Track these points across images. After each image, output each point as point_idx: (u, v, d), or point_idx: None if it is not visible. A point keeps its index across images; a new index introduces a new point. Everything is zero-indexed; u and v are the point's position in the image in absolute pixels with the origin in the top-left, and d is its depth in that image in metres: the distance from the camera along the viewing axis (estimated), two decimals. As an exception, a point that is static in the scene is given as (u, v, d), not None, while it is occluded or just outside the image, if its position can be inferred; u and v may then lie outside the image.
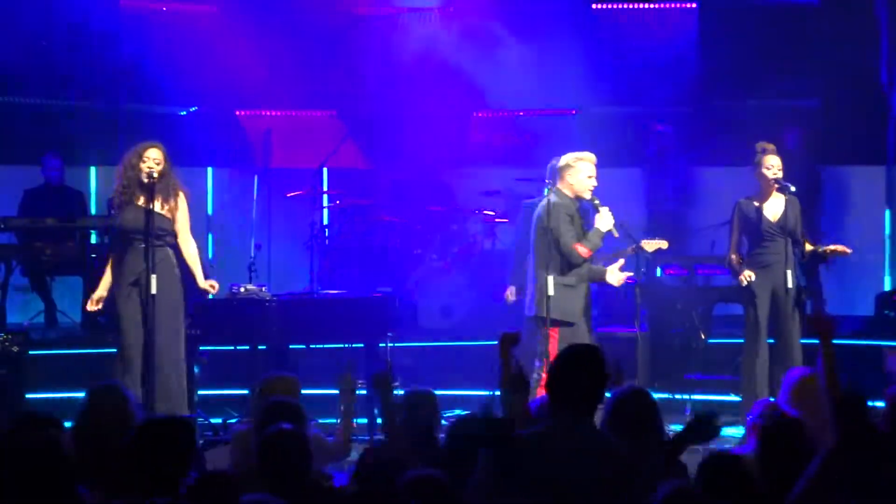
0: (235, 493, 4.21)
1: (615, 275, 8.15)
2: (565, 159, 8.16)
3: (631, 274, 8.47)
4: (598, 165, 8.18)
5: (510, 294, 9.81)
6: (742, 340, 8.82)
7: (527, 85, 11.63)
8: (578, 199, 8.10)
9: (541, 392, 6.61)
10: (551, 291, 8.10)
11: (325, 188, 12.13)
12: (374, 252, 11.58)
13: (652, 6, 12.31)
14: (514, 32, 11.78)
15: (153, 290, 7.57)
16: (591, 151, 8.21)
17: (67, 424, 5.26)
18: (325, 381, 7.82)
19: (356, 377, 6.41)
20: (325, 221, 11.55)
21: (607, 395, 4.86)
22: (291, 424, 4.92)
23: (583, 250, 7.95)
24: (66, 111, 12.03)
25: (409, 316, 11.02)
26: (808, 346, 8.33)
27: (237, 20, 11.94)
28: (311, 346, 9.49)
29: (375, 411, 7.89)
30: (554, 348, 7.74)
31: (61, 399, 8.85)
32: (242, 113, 12.49)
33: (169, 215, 7.83)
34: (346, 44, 11.87)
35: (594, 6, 12.32)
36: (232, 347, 9.39)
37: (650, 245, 8.59)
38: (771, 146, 8.80)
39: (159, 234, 7.73)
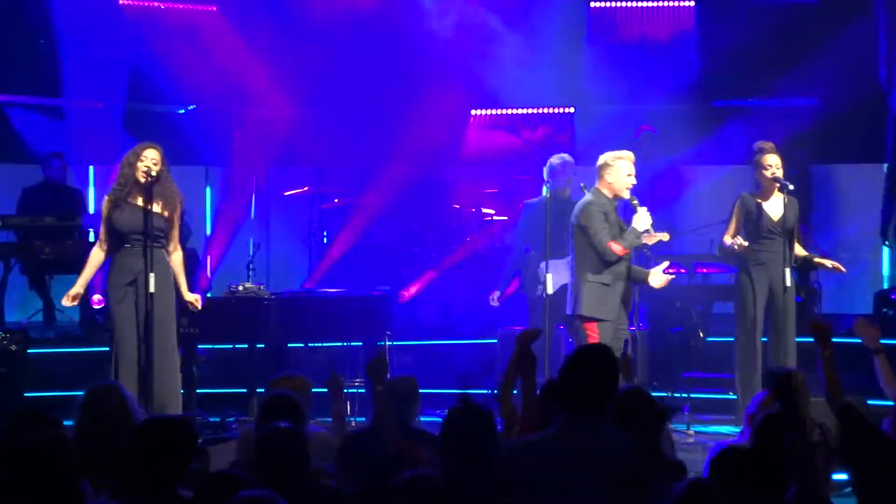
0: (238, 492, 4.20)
1: (658, 277, 8.13)
2: (604, 158, 8.06)
3: (673, 276, 8.43)
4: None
5: (494, 299, 9.82)
6: (738, 338, 8.85)
7: (525, 84, 11.64)
8: (617, 198, 8.07)
9: None
10: (550, 290, 8.14)
11: (324, 187, 12.13)
12: (373, 251, 11.59)
13: (651, 5, 12.30)
14: (512, 31, 11.79)
15: (151, 289, 7.58)
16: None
17: (67, 423, 5.26)
18: (324, 379, 7.80)
19: (343, 377, 6.44)
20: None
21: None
22: (290, 420, 4.91)
23: (617, 248, 7.92)
24: (66, 111, 12.03)
25: (408, 314, 11.03)
26: (802, 343, 8.34)
27: (237, 20, 11.95)
28: (310, 344, 9.50)
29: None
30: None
31: (60, 397, 8.84)
32: (242, 112, 12.48)
33: (167, 218, 7.83)
34: (343, 41, 11.86)
35: (592, 4, 12.31)
36: (230, 346, 9.41)
37: (651, 238, 8.58)
38: (769, 145, 8.81)
39: (157, 234, 7.73)
